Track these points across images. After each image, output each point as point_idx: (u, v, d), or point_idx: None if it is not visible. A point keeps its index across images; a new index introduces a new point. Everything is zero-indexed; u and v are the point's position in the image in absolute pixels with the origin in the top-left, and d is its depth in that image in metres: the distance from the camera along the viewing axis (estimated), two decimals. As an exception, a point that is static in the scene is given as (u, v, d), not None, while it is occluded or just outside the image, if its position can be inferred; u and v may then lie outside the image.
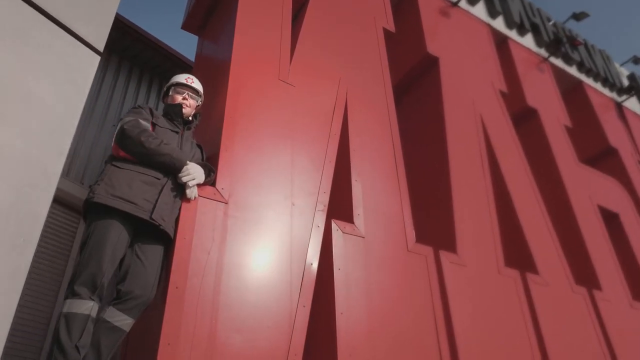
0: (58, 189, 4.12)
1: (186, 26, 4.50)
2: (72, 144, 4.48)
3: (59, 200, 4.03)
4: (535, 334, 3.67)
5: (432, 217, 4.02)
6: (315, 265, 2.87)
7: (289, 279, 2.73)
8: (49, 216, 4.07)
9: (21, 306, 3.54)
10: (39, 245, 3.87)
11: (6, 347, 3.12)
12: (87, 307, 2.17)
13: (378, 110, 3.91)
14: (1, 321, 1.47)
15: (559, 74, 6.57)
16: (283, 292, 2.67)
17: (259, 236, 2.75)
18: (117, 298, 2.30)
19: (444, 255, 3.52)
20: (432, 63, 4.89)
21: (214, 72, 3.65)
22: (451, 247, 3.68)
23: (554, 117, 5.78)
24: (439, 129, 4.38)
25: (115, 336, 2.25)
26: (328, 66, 3.80)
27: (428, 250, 3.45)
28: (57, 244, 4.00)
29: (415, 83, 5.04)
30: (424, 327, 3.11)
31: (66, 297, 2.20)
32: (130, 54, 5.35)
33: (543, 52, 6.48)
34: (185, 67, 5.22)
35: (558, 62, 6.61)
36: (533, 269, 4.05)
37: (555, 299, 4.01)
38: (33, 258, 3.73)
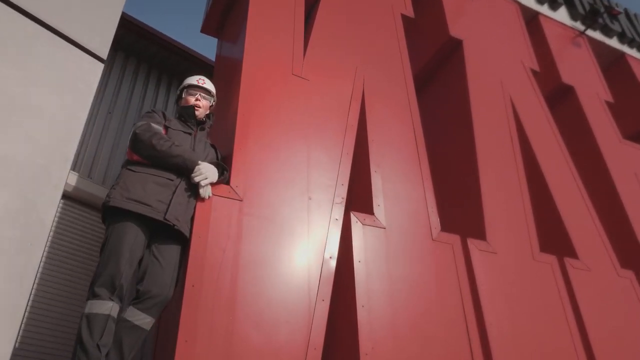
0: (88, 193, 4.32)
1: (205, 29, 4.57)
2: (99, 146, 4.72)
3: (90, 204, 4.22)
4: (576, 323, 3.48)
5: (459, 205, 3.89)
6: (334, 259, 2.84)
7: (307, 273, 2.71)
8: (76, 219, 4.29)
9: (57, 307, 3.72)
10: (68, 248, 4.07)
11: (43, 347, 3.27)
12: (107, 307, 2.25)
13: (397, 98, 3.82)
14: (11, 321, 1.54)
15: (598, 47, 6.20)
16: (301, 287, 2.66)
17: (275, 232, 2.76)
18: (137, 298, 2.36)
19: (472, 243, 3.41)
20: (455, 47, 4.73)
21: (231, 72, 3.69)
22: (480, 234, 3.54)
23: (593, 93, 5.46)
24: (464, 113, 4.24)
25: (136, 335, 2.31)
26: (343, 57, 3.75)
27: (455, 239, 3.35)
28: (88, 246, 4.19)
29: (439, 70, 4.90)
30: (451, 318, 3.01)
31: (87, 299, 2.29)
32: (159, 62, 5.52)
33: (579, 25, 6.13)
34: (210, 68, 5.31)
35: (596, 35, 6.24)
36: (572, 253, 3.84)
37: (598, 284, 3.79)
38: (64, 262, 3.89)
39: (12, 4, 1.93)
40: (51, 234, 4.16)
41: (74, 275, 4.02)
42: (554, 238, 3.92)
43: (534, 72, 5.07)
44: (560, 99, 5.31)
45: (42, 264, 3.68)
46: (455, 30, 4.71)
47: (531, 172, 4.18)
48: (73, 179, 4.41)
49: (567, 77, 5.37)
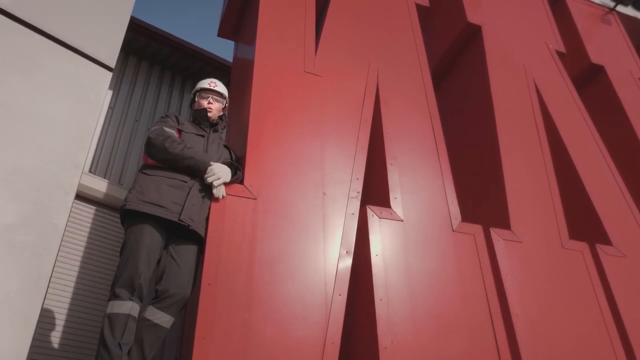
0: (112, 197, 4.47)
1: (221, 33, 4.64)
2: (127, 153, 4.88)
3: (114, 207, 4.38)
4: (610, 312, 3.33)
5: (481, 194, 3.80)
6: (350, 254, 2.84)
7: (323, 268, 2.72)
8: (101, 223, 4.45)
9: (82, 307, 3.88)
10: (95, 251, 4.23)
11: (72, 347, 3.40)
12: (127, 307, 2.33)
13: (413, 89, 3.77)
14: (27, 322, 1.62)
15: (630, 23, 5.90)
16: (317, 282, 2.67)
17: (289, 229, 2.77)
18: (156, 297, 2.43)
19: (496, 233, 3.32)
20: (474, 33, 4.61)
21: (245, 73, 3.73)
22: (504, 223, 3.45)
23: (625, 72, 5.21)
24: (485, 100, 4.13)
25: (156, 333, 2.38)
26: (356, 50, 3.73)
27: (476, 229, 3.27)
28: (113, 248, 4.36)
29: (458, 59, 4.79)
30: (475, 310, 2.95)
31: (109, 299, 2.38)
32: (182, 67, 5.66)
33: (608, 1, 5.87)
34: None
35: (627, 11, 5.96)
36: (604, 239, 3.69)
37: (635, 271, 3.62)
38: (92, 264, 4.04)
39: (22, 21, 2.03)
40: (86, 239, 4.35)
41: (88, 275, 4.19)
42: (584, 224, 3.78)
43: (560, 54, 4.89)
44: (589, 80, 5.09)
45: (55, 265, 3.87)
46: (473, 16, 4.59)
47: (559, 157, 4.04)
48: (103, 185, 4.59)
49: (596, 57, 5.14)
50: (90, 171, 4.68)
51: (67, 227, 4.23)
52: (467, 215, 3.42)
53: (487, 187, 3.78)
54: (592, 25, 5.49)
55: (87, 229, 4.43)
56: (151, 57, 5.53)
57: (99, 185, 4.59)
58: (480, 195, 3.80)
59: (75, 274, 4.19)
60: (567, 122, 4.30)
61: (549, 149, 3.99)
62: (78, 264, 4.24)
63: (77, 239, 4.32)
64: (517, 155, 3.83)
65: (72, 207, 3.88)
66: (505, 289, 3.09)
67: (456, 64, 4.84)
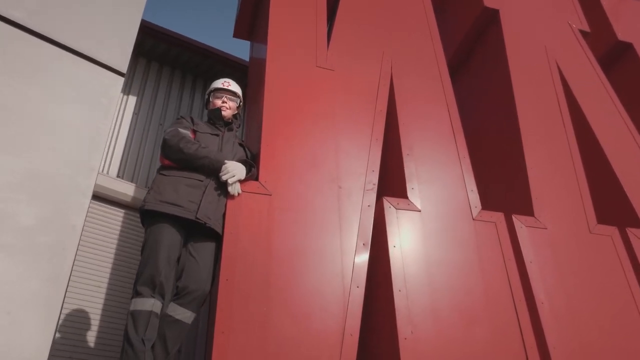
0: (140, 200, 4.60)
1: (237, 34, 4.70)
2: (148, 156, 5.01)
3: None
4: (644, 297, 3.22)
5: (503, 182, 3.73)
6: (367, 245, 2.84)
7: (340, 261, 2.73)
8: (131, 226, 4.58)
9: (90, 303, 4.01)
10: (124, 253, 4.37)
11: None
12: (149, 304, 2.40)
13: (429, 78, 3.72)
14: (49, 318, 1.70)
15: (660, -4, 5.65)
16: (334, 275, 2.68)
17: (305, 223, 2.79)
18: (177, 294, 2.50)
19: (518, 219, 3.25)
20: (491, 18, 4.51)
21: (260, 71, 3.78)
22: (527, 210, 3.38)
23: (656, 48, 4.99)
24: (504, 84, 4.04)
25: (178, 329, 2.45)
26: (369, 42, 3.71)
27: (498, 216, 3.21)
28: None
29: (476, 45, 4.70)
30: (497, 298, 2.90)
31: (132, 297, 2.46)
32: (202, 70, 5.76)
33: (635, -24, 5.62)
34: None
35: (657, -16, 5.69)
36: (636, 222, 3.55)
37: (669, 254, 3.47)
38: (122, 265, 4.17)
39: (36, 33, 2.12)
40: (116, 242, 4.50)
41: (119, 275, 4.32)
42: (613, 208, 3.65)
43: (584, 34, 4.73)
44: (617, 59, 4.91)
45: (88, 268, 4.01)
46: (489, 0, 4.49)
47: (584, 139, 3.92)
48: (131, 189, 4.73)
49: (623, 34, 4.95)
50: (118, 176, 4.83)
51: (97, 231, 4.40)
52: (489, 203, 3.36)
53: (509, 174, 3.70)
54: (617, 1, 5.27)
55: (117, 232, 4.58)
56: (161, 58, 5.63)
57: (127, 189, 4.73)
58: (502, 183, 3.73)
59: (108, 275, 4.34)
60: (593, 103, 4.15)
61: (573, 132, 3.88)
62: (110, 265, 4.39)
63: (109, 242, 4.47)
64: (539, 140, 3.73)
65: (89, 208, 4.02)
66: (530, 276, 3.03)
67: (474, 50, 4.75)
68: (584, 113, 4.04)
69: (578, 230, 3.39)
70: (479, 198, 3.26)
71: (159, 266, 2.46)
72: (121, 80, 2.33)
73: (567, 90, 4.14)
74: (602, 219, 3.51)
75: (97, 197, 4.49)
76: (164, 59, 5.62)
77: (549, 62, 4.27)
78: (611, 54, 4.91)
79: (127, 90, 5.26)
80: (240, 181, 2.75)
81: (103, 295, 4.20)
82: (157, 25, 5.25)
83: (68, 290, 3.78)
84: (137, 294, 2.43)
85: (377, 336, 2.74)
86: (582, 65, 4.42)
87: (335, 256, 2.74)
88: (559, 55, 4.35)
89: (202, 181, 2.69)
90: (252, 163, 2.85)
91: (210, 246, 2.64)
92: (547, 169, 3.60)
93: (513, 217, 3.25)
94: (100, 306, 4.15)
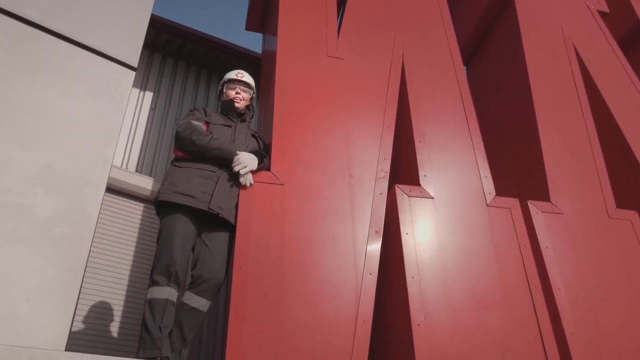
0: (152, 192, 4.68)
1: (249, 26, 4.72)
2: (166, 150, 5.08)
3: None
4: (665, 281, 3.15)
5: (518, 167, 3.68)
6: (380, 233, 2.84)
7: (352, 249, 2.75)
8: (150, 219, 4.67)
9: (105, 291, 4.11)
10: (145, 245, 4.45)
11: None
12: (165, 292, 2.46)
13: (441, 64, 3.69)
14: (67, 306, 1.76)
15: (684, -27, 5.45)
16: (346, 263, 2.70)
17: (317, 212, 2.81)
18: (192, 283, 2.56)
19: (534, 205, 3.21)
20: (505, 2, 4.44)
21: (271, 63, 3.79)
22: (543, 195, 3.33)
23: (679, 27, 4.83)
24: (519, 67, 3.98)
25: (194, 316, 2.50)
26: (379, 30, 3.69)
27: (513, 202, 3.18)
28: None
29: (490, 31, 4.63)
30: (512, 284, 2.87)
31: (149, 286, 2.52)
32: (215, 64, 5.81)
33: (657, -48, 5.43)
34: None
35: (680, -40, 5.49)
36: (657, 206, 3.48)
37: (693, 238, 3.39)
38: (143, 257, 4.26)
39: (48, 30, 2.18)
40: (137, 235, 4.60)
41: (140, 266, 4.42)
42: (633, 191, 3.57)
43: (603, 14, 4.61)
44: (637, 40, 4.76)
45: (108, 259, 4.11)
46: (503, -17, 4.42)
47: (603, 122, 3.84)
48: (149, 183, 4.82)
49: (644, 14, 4.80)
50: (136, 171, 4.92)
51: (118, 225, 4.50)
52: (504, 189, 3.33)
53: (524, 160, 3.66)
54: (638, -21, 5.11)
55: (137, 225, 4.69)
56: (176, 54, 5.68)
57: (146, 183, 4.82)
58: (518, 169, 3.68)
59: (129, 266, 4.44)
60: (612, 85, 4.06)
61: (591, 115, 3.80)
62: (131, 257, 4.50)
63: (129, 235, 4.57)
64: (555, 124, 3.67)
65: (110, 202, 4.10)
66: (545, 262, 3.00)
67: (489, 34, 4.68)
68: (603, 96, 3.95)
69: (596, 214, 3.33)
70: (493, 184, 3.23)
71: (174, 255, 2.51)
72: (132, 74, 2.37)
73: (584, 72, 4.05)
74: (621, 203, 3.44)
75: (117, 191, 4.60)
76: (179, 55, 5.68)
77: (565, 44, 4.18)
78: (631, 35, 4.77)
79: (143, 86, 5.35)
80: (252, 172, 2.78)
81: (125, 286, 4.31)
82: (171, 21, 5.31)
83: (92, 282, 3.90)
84: (153, 282, 2.49)
85: (391, 323, 2.75)
86: (600, 47, 4.32)
87: (347, 244, 2.76)
88: (576, 37, 4.25)
89: (214, 172, 2.73)
90: (264, 154, 2.88)
91: (223, 236, 2.69)
92: (564, 153, 3.55)
93: (528, 202, 3.22)
94: (123, 297, 4.26)
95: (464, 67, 4.82)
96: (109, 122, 2.18)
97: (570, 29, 4.29)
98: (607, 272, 3.10)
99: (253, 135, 3.10)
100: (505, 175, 3.57)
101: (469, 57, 4.91)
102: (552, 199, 3.30)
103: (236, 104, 3.11)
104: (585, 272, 3.05)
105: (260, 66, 4.65)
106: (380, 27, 3.71)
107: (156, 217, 2.79)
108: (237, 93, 3.15)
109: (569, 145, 3.59)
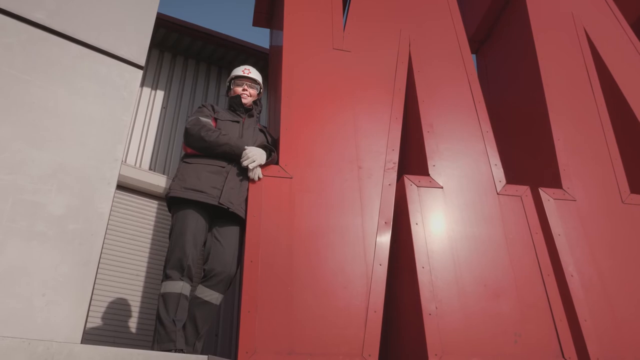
0: (166, 189, 4.74)
1: (256, 22, 4.75)
2: (178, 148, 5.14)
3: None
4: (682, 266, 3.11)
5: (529, 155, 3.64)
6: (389, 224, 2.85)
7: (362, 240, 2.76)
8: (164, 216, 4.73)
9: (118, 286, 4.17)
10: (160, 241, 4.52)
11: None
12: (178, 286, 2.51)
13: (448, 53, 3.67)
14: (81, 301, 1.81)
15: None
16: (356, 254, 2.71)
17: (326, 204, 2.83)
18: (204, 277, 2.60)
19: (545, 192, 3.19)
20: (514, -13, 4.39)
21: (278, 58, 3.81)
22: (555, 182, 3.30)
23: (695, 7, 4.72)
24: (528, 54, 3.93)
25: (207, 309, 2.55)
26: (386, 20, 3.68)
27: (523, 190, 3.16)
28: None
29: (500, 18, 4.57)
30: (524, 272, 2.86)
31: (162, 281, 2.57)
32: (224, 60, 5.85)
33: None
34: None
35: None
36: (673, 191, 3.42)
37: None
38: (158, 253, 4.32)
39: (57, 32, 2.23)
40: (152, 231, 4.67)
41: (155, 262, 4.48)
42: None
43: (615, -3, 4.53)
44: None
45: (123, 256, 4.18)
46: (511, -31, 4.36)
47: (616, 107, 3.78)
48: (163, 180, 4.89)
49: (658, -5, 4.70)
50: (150, 169, 4.99)
51: (133, 222, 4.58)
52: (515, 177, 3.31)
53: (535, 147, 3.62)
54: (652, -40, 4.99)
55: (152, 222, 4.76)
56: (186, 51, 5.71)
57: (159, 181, 4.89)
58: (529, 156, 3.65)
59: (145, 262, 4.52)
60: (625, 70, 3.98)
61: (603, 100, 3.74)
62: (146, 254, 4.58)
63: (144, 232, 4.65)
64: (566, 110, 3.62)
65: (122, 199, 4.16)
66: (558, 249, 2.98)
67: (498, 21, 4.62)
68: (616, 81, 3.88)
69: (609, 200, 3.29)
70: (503, 172, 3.21)
71: (186, 250, 2.56)
72: (140, 73, 2.41)
73: (596, 57, 3.98)
74: (635, 188, 3.39)
75: (131, 189, 4.67)
76: (188, 52, 5.72)
77: (576, 29, 4.12)
78: (646, 17, 4.68)
79: (154, 85, 5.41)
80: (261, 166, 2.81)
81: (142, 282, 4.39)
82: (180, 20, 5.35)
83: (108, 278, 3.98)
84: (166, 277, 2.54)
85: (402, 313, 2.77)
86: (613, 31, 4.24)
87: (357, 235, 2.77)
88: (587, 22, 4.18)
89: (223, 167, 2.77)
90: (272, 148, 2.91)
91: (234, 230, 2.72)
92: (576, 139, 3.50)
93: (540, 190, 3.19)
94: (140, 292, 4.34)
95: (473, 56, 4.79)
96: (119, 120, 2.22)
97: (581, 14, 4.22)
98: (621, 258, 3.06)
99: (261, 130, 3.13)
100: (516, 163, 3.55)
101: (477, 46, 4.86)
102: (564, 186, 3.27)
103: (243, 100, 3.14)
104: (598, 259, 3.02)
105: (269, 61, 4.67)
106: (386, 18, 3.70)
107: (169, 213, 2.84)
108: (244, 89, 3.18)
109: (581, 131, 3.55)
